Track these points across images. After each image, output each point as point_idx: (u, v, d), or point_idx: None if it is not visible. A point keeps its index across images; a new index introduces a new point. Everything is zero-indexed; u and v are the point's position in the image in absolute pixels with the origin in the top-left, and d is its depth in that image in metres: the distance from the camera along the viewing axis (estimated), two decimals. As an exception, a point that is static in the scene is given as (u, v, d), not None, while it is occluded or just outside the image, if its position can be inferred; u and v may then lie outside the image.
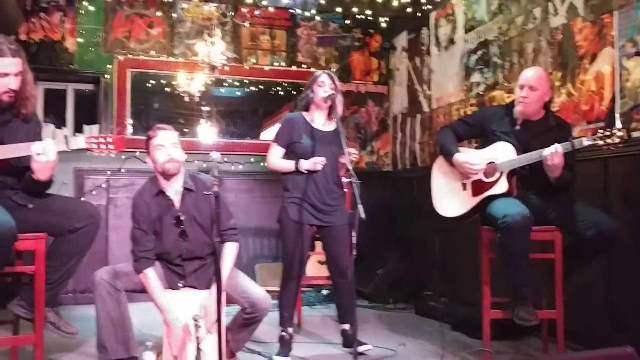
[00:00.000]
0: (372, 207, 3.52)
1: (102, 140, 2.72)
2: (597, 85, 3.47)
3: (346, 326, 3.58)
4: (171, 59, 5.43)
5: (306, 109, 3.55)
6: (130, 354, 2.78)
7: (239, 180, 5.51)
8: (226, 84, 5.76)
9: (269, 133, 6.01)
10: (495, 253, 3.07)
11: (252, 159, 5.56)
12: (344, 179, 2.79)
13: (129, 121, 5.30)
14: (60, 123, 5.33)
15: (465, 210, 3.23)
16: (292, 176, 3.45)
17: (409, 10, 5.35)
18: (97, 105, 5.36)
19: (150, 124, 5.11)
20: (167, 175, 2.85)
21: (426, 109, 5.41)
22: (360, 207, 2.63)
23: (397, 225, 5.60)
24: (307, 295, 5.00)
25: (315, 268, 4.48)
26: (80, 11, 5.22)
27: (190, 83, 5.40)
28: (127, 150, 4.76)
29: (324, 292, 5.12)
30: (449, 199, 3.31)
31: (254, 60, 5.70)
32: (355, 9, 5.48)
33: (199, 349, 2.59)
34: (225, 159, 5.36)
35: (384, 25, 5.90)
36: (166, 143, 2.83)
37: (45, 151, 2.55)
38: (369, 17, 5.79)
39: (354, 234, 2.69)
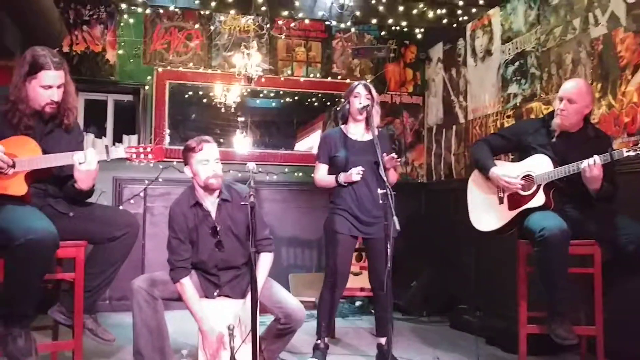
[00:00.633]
0: (407, 218, 3.51)
1: (141, 150, 2.76)
2: (639, 96, 3.39)
3: (383, 340, 3.54)
4: (209, 71, 5.52)
5: (344, 120, 3.58)
6: (165, 361, 2.81)
7: (274, 190, 5.54)
8: (262, 95, 5.82)
9: (303, 144, 6.05)
10: (533, 267, 3.01)
11: (286, 169, 5.60)
12: (379, 191, 2.78)
13: (167, 131, 5.39)
14: (100, 133, 5.47)
15: (502, 224, 3.19)
16: (338, 188, 3.49)
17: (444, 21, 5.33)
18: (136, 116, 5.48)
19: (188, 134, 5.23)
20: (209, 190, 2.89)
21: (462, 120, 5.37)
22: (395, 218, 2.62)
23: (432, 237, 5.55)
24: (341, 307, 4.96)
25: (349, 279, 4.46)
26: (121, 24, 5.36)
27: (227, 94, 5.47)
28: (165, 160, 4.84)
29: (358, 303, 5.10)
30: (486, 213, 3.27)
31: (290, 72, 5.75)
32: (390, 21, 5.48)
33: (233, 358, 2.60)
34: (260, 169, 5.41)
35: (419, 36, 5.89)
36: (211, 158, 2.87)
37: (87, 160, 2.61)
38: (404, 29, 5.78)
39: (389, 245, 2.68)
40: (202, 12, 5.49)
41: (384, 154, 3.22)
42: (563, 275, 2.87)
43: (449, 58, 5.66)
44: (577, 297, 3.09)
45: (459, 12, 5.18)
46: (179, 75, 5.46)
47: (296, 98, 5.88)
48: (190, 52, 5.51)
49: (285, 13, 5.37)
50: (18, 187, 2.57)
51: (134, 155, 2.74)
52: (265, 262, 2.93)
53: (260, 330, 2.75)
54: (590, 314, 3.00)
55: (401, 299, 5.04)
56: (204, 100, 5.59)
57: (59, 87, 2.67)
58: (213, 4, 5.13)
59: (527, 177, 3.11)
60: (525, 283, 3.10)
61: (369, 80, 5.52)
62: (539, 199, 3.05)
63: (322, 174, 3.56)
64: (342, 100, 3.64)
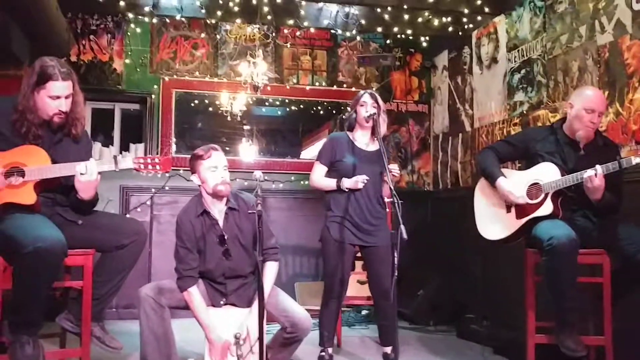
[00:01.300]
0: (413, 227, 3.49)
1: (149, 160, 2.77)
2: (647, 104, 3.38)
3: (388, 349, 3.52)
4: (215, 79, 5.54)
5: (350, 129, 3.58)
6: (172, 370, 2.81)
7: (279, 199, 5.55)
8: (268, 104, 5.84)
9: (309, 152, 6.05)
10: (541, 276, 3.00)
11: (292, 178, 5.60)
12: (387, 199, 2.77)
13: (173, 140, 5.42)
14: (107, 141, 5.50)
15: (509, 233, 3.17)
16: (334, 195, 3.47)
17: (450, 29, 5.35)
18: (143, 125, 5.51)
19: (194, 142, 5.25)
20: (218, 197, 2.89)
21: (468, 128, 5.36)
22: (402, 227, 2.61)
23: (439, 246, 5.53)
24: (347, 316, 4.97)
25: (355, 288, 4.45)
26: (128, 33, 5.40)
27: (233, 103, 5.48)
28: (172, 168, 4.84)
29: (364, 312, 5.08)
30: (493, 222, 3.26)
31: (295, 80, 5.77)
32: (396, 29, 5.49)
33: (240, 367, 2.60)
34: (266, 177, 5.41)
35: (424, 44, 5.90)
36: (219, 164, 2.88)
37: (88, 171, 2.62)
38: (409, 37, 5.80)
39: (396, 254, 2.67)
40: (208, 22, 5.52)
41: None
42: (571, 284, 2.84)
43: (454, 66, 5.67)
44: (586, 307, 3.06)
45: (465, 20, 5.19)
46: (185, 84, 5.49)
47: (302, 106, 5.90)
48: (196, 61, 5.54)
49: (291, 22, 5.40)
50: (27, 196, 2.60)
51: (142, 166, 2.75)
52: (271, 270, 2.93)
53: (266, 339, 2.75)
54: (599, 323, 2.97)
55: (408, 308, 5.02)
56: (210, 109, 5.62)
57: (67, 97, 2.69)
58: (219, 13, 5.16)
59: (535, 186, 3.09)
60: (533, 292, 3.09)
61: (374, 89, 5.54)
62: (547, 208, 3.03)
63: (320, 176, 3.54)
64: (349, 109, 3.64)
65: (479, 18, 5.10)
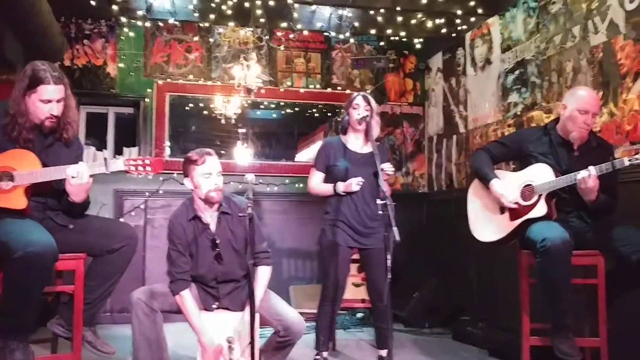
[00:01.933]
0: (408, 229, 3.49)
1: (139, 162, 2.75)
2: (640, 104, 3.38)
3: (383, 352, 3.52)
4: (208, 83, 5.53)
5: (344, 131, 3.58)
6: (165, 374, 2.79)
7: (274, 202, 5.53)
8: (262, 107, 5.83)
9: (304, 154, 6.04)
10: (535, 278, 2.99)
11: (287, 181, 5.59)
12: (379, 201, 2.76)
13: (167, 143, 5.40)
14: (101, 145, 5.48)
15: (503, 234, 3.16)
16: (332, 199, 3.48)
17: (443, 31, 5.34)
18: (137, 128, 5.49)
19: (188, 146, 5.24)
20: (210, 203, 2.87)
21: (462, 130, 5.36)
22: (395, 229, 2.60)
23: (434, 248, 5.52)
24: (342, 318, 4.94)
25: (350, 291, 4.45)
26: (121, 37, 5.39)
27: (227, 106, 5.47)
28: (165, 172, 4.83)
29: (359, 315, 5.06)
30: (486, 224, 3.24)
31: (289, 83, 5.76)
32: (389, 31, 5.48)
33: (233, 371, 2.58)
34: (261, 180, 5.40)
35: (418, 46, 5.89)
36: (213, 171, 2.85)
37: (79, 174, 2.61)
38: (403, 39, 5.79)
39: (388, 256, 2.66)
40: (201, 25, 5.51)
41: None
42: (566, 286, 2.83)
43: (448, 68, 5.67)
44: (581, 308, 3.05)
45: (458, 21, 5.18)
46: (179, 88, 5.47)
47: (296, 109, 5.89)
48: (190, 65, 5.52)
49: (284, 24, 5.38)
50: (18, 200, 2.58)
51: (133, 168, 2.74)
52: (263, 275, 2.91)
53: (259, 342, 2.73)
54: (594, 325, 2.96)
55: (403, 311, 5.00)
56: (204, 112, 5.60)
57: (58, 101, 2.68)
58: (212, 16, 5.14)
59: (528, 187, 3.08)
60: (528, 294, 3.07)
61: (368, 91, 5.53)
62: (541, 209, 3.02)
63: (317, 182, 3.56)
64: (343, 111, 3.64)
65: (473, 19, 5.10)
